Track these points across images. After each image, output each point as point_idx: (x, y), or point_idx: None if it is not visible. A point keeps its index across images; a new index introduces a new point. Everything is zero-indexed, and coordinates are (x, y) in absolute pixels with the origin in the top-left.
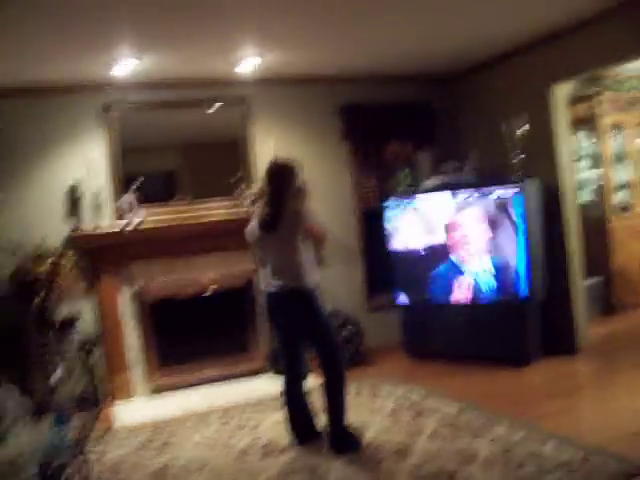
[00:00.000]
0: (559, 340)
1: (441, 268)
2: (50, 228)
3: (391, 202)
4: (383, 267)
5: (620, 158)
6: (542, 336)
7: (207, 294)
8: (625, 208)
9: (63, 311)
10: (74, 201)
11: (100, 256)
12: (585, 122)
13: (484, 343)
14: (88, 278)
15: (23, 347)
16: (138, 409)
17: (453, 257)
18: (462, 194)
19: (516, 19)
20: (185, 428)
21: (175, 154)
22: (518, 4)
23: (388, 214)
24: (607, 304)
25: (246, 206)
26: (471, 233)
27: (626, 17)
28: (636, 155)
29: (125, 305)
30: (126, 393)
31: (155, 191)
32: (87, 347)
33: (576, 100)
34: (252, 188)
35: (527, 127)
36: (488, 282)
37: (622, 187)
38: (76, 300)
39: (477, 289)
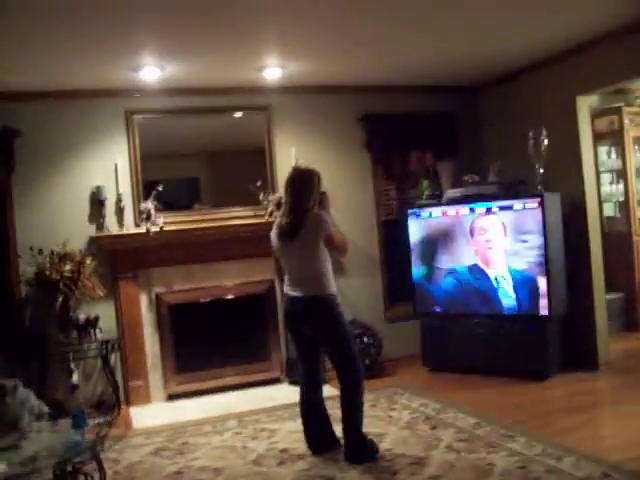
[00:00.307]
0: (579, 355)
1: (458, 271)
2: (73, 231)
3: (412, 212)
4: (403, 277)
5: None
6: (562, 351)
7: (227, 300)
8: None
9: (84, 313)
10: (97, 204)
11: (121, 260)
12: (608, 136)
13: (503, 356)
14: (108, 282)
15: (44, 348)
16: (155, 414)
17: (474, 265)
18: (483, 206)
19: (541, 31)
20: (201, 434)
21: (198, 161)
22: (543, 16)
23: (409, 224)
24: (629, 320)
25: (270, 211)
26: (490, 245)
27: None
28: None
29: (144, 310)
30: (144, 398)
31: (178, 197)
32: (107, 350)
33: (600, 114)
34: (275, 194)
35: (546, 141)
36: (506, 295)
37: None
38: (97, 304)
39: (495, 300)
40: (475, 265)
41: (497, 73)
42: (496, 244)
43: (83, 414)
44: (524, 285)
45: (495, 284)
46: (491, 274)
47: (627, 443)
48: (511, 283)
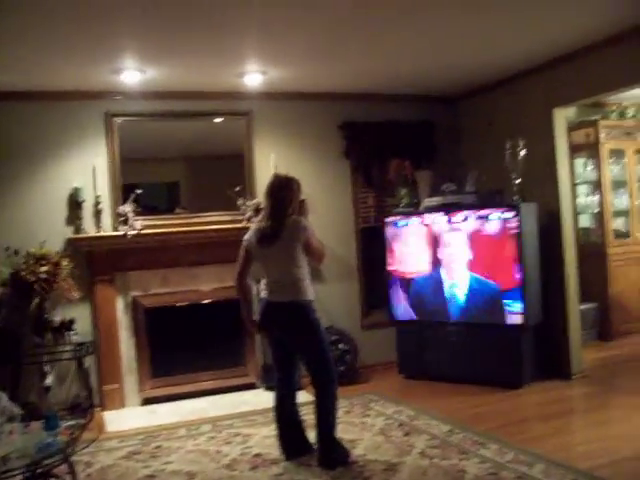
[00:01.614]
0: (553, 364)
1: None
2: (50, 232)
3: (389, 220)
4: (380, 284)
5: (619, 185)
6: (536, 359)
7: (204, 304)
8: (623, 234)
9: (60, 315)
10: (75, 206)
11: (98, 263)
12: (585, 148)
13: (478, 364)
14: (85, 285)
15: (18, 349)
16: (129, 418)
17: (442, 274)
18: (460, 215)
19: (520, 43)
20: (175, 438)
21: (178, 165)
22: (522, 29)
23: (386, 232)
24: (603, 330)
25: (248, 216)
26: (464, 254)
27: (627, 45)
28: (635, 182)
29: (120, 313)
30: (118, 401)
31: (157, 201)
32: (82, 352)
33: (576, 126)
34: (254, 200)
35: (523, 152)
36: (471, 300)
37: (621, 214)
38: (72, 306)
39: (459, 306)
40: (437, 275)
41: (476, 84)
42: (469, 252)
43: (56, 416)
44: (497, 294)
45: (449, 294)
46: (448, 284)
47: (597, 450)
48: (477, 290)
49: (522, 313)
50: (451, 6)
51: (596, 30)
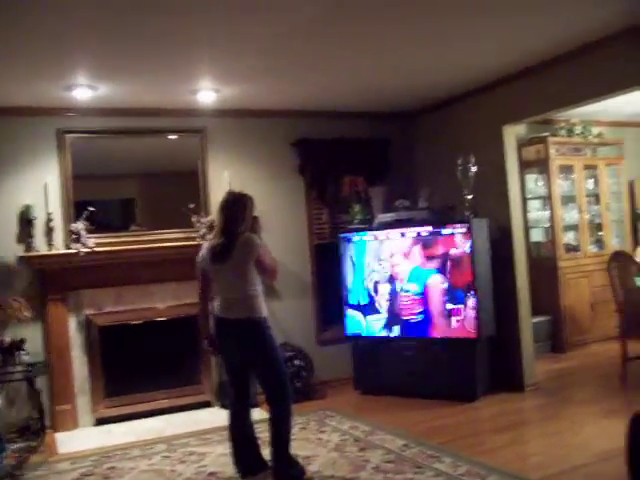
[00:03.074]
0: (507, 377)
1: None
2: (1, 249)
3: (343, 236)
4: (335, 300)
5: (569, 200)
6: (490, 372)
7: (159, 322)
8: (574, 248)
9: (10, 335)
10: (26, 224)
11: (50, 282)
12: (536, 164)
13: (433, 378)
14: (36, 304)
15: None
16: (82, 438)
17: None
18: (413, 231)
19: (471, 62)
20: (129, 459)
21: (133, 182)
22: (472, 48)
23: (340, 248)
24: (556, 342)
25: (202, 233)
26: (417, 270)
27: (574, 63)
28: (584, 197)
29: (73, 332)
30: (71, 422)
31: (112, 218)
32: (33, 373)
33: (527, 143)
34: (208, 217)
35: (475, 168)
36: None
37: (571, 228)
38: (23, 326)
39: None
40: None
41: (429, 101)
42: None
43: (1, 439)
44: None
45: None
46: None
47: (550, 460)
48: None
49: (475, 326)
50: (405, 25)
51: (544, 49)
